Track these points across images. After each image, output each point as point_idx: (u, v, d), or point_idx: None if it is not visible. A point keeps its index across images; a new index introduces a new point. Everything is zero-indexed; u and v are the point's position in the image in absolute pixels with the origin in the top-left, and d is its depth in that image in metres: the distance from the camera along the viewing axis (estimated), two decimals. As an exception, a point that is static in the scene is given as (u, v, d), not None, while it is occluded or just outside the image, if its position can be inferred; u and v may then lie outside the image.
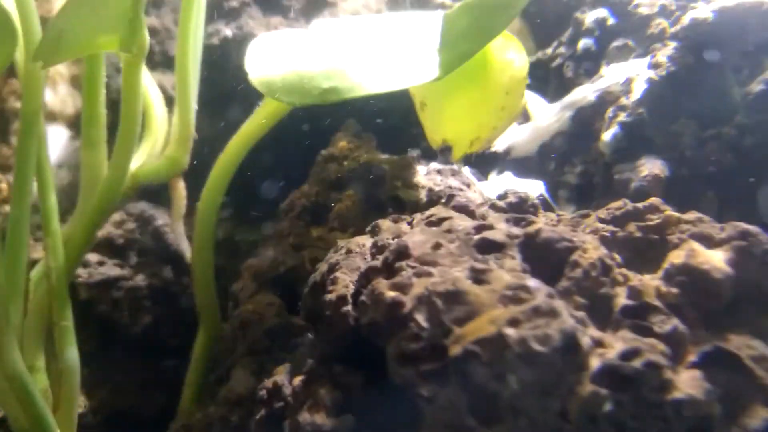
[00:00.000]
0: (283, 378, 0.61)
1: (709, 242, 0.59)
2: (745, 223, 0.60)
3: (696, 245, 0.58)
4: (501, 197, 0.84)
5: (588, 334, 0.51)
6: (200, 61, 1.06)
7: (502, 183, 1.12)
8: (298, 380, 0.59)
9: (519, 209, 0.84)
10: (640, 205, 0.66)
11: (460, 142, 0.96)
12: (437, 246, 0.58)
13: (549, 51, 1.21)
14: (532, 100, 1.17)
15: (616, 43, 1.09)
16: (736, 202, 0.97)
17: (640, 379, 0.48)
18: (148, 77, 1.06)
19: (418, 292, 0.52)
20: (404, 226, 0.65)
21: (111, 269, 1.18)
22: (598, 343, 0.51)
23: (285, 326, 0.85)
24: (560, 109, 1.12)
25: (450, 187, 1.02)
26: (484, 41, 0.77)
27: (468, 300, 0.51)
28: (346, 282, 0.59)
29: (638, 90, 1.02)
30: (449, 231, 0.60)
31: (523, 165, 1.17)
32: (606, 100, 1.06)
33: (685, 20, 1.01)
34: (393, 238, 0.62)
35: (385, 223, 0.70)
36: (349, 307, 0.57)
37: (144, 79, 1.06)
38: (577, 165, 1.09)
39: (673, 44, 1.02)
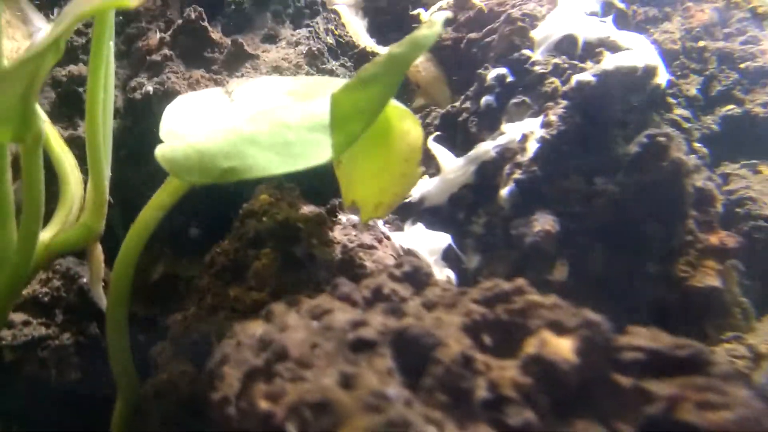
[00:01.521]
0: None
1: (561, 330, 0.62)
2: (591, 312, 0.64)
3: (547, 334, 0.61)
4: (398, 266, 0.86)
5: (441, 439, 0.53)
6: (111, 123, 1.05)
7: (414, 235, 1.15)
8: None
9: (414, 278, 0.87)
10: (507, 287, 0.69)
11: (365, 206, 0.98)
12: (314, 346, 0.60)
13: (457, 104, 1.24)
14: (441, 153, 1.20)
15: (514, 101, 1.13)
16: (622, 255, 1.02)
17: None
18: (60, 144, 1.05)
19: (290, 401, 0.54)
20: (291, 318, 0.67)
21: (37, 329, 1.16)
22: (453, 448, 0.53)
23: (198, 396, 0.85)
24: (465, 162, 1.15)
25: (361, 245, 1.04)
26: (370, 121, 0.79)
27: (335, 409, 0.53)
28: (231, 380, 0.61)
29: (532, 148, 1.05)
30: (328, 328, 0.62)
31: (435, 214, 1.20)
32: (505, 156, 1.09)
33: (572, 82, 1.05)
34: (279, 331, 0.64)
35: (278, 308, 0.71)
36: (232, 410, 0.59)
37: (56, 148, 1.05)
38: (482, 216, 1.12)
39: (563, 103, 1.06)
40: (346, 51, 1.49)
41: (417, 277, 0.84)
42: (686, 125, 1.11)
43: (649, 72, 1.01)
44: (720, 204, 1.03)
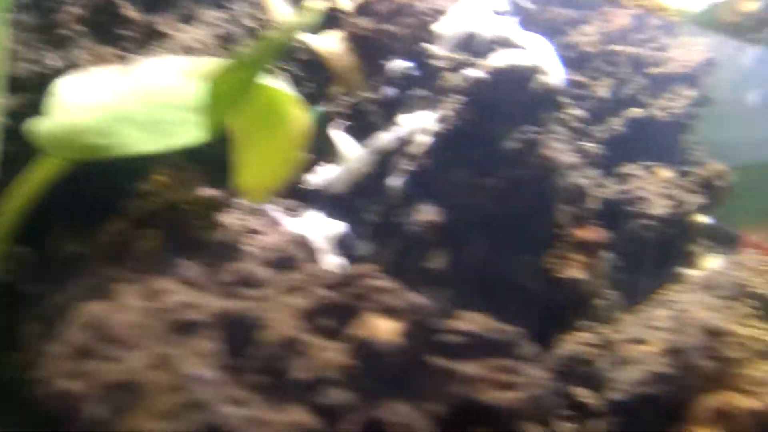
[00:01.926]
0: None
1: (390, 313, 0.64)
2: (419, 297, 0.65)
3: (374, 318, 0.63)
4: (268, 251, 0.87)
5: (249, 416, 0.54)
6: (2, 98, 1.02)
7: (311, 222, 1.15)
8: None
9: (281, 264, 0.88)
10: (354, 272, 0.70)
11: (250, 190, 0.99)
12: (141, 327, 0.60)
13: (364, 93, 1.25)
14: (345, 142, 1.20)
15: (414, 93, 1.14)
16: (500, 246, 1.05)
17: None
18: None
19: (99, 381, 0.55)
20: (129, 298, 0.67)
21: None
22: (258, 422, 0.55)
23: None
24: (367, 152, 1.16)
25: (247, 230, 1.04)
26: (238, 101, 0.79)
27: (137, 390, 0.53)
28: (55, 358, 0.61)
29: (425, 141, 1.07)
30: (160, 309, 0.62)
31: (337, 202, 1.21)
32: (401, 147, 1.11)
33: (466, 78, 1.06)
34: (114, 312, 0.64)
35: (121, 288, 0.71)
36: (48, 387, 0.59)
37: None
38: (377, 205, 1.14)
39: (458, 98, 1.08)
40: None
41: (283, 263, 0.85)
42: (575, 124, 1.14)
43: (538, 72, 1.03)
44: (592, 200, 1.06)
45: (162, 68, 1.09)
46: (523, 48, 1.12)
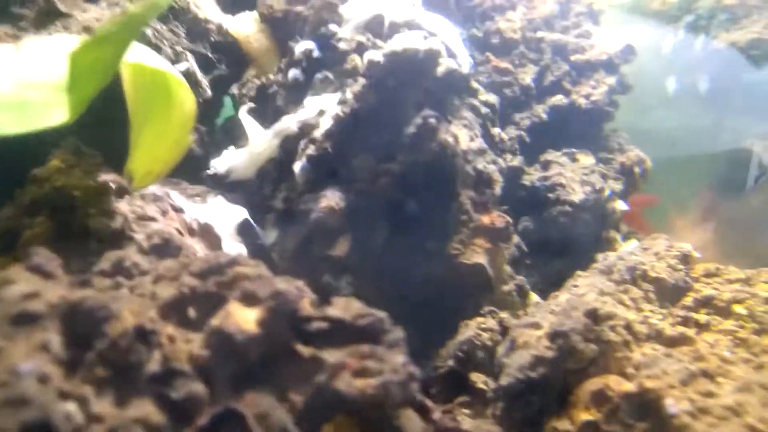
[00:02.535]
0: None
1: (251, 301, 0.62)
2: (281, 282, 0.63)
3: (234, 306, 0.61)
4: (148, 238, 0.84)
5: (87, 412, 0.51)
6: None
7: (212, 208, 1.12)
8: None
9: (162, 251, 0.84)
10: (224, 259, 0.67)
11: (137, 174, 0.94)
12: (-26, 319, 0.56)
13: (271, 76, 1.21)
14: (250, 126, 1.17)
15: (319, 76, 1.11)
16: (403, 231, 1.04)
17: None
18: None
19: None
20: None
21: None
22: (96, 420, 0.52)
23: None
24: (271, 136, 1.13)
25: (141, 217, 1.00)
26: (103, 80, 0.75)
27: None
28: None
29: (326, 124, 1.05)
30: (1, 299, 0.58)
31: (243, 188, 1.17)
32: (304, 131, 1.08)
33: (365, 61, 1.04)
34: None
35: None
36: None
37: None
38: (282, 191, 1.11)
39: (361, 81, 1.06)
40: (178, 15, 1.42)
41: (165, 250, 0.81)
42: (484, 110, 1.14)
43: (437, 56, 1.02)
44: (498, 186, 1.06)
45: (48, 48, 1.03)
46: (427, 32, 1.10)
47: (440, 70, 1.05)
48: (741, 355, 0.80)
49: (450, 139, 0.97)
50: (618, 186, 1.48)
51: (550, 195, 1.42)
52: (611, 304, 0.83)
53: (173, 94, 0.93)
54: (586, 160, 1.51)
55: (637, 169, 1.51)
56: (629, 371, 0.76)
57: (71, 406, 0.52)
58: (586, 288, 0.91)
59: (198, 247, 1.04)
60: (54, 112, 0.77)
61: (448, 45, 1.10)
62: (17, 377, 0.50)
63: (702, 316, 0.90)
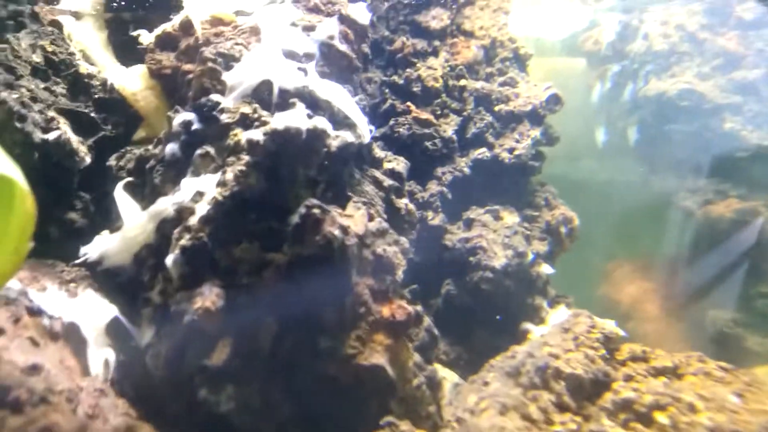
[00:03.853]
0: None
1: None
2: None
3: None
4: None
5: None
6: None
7: (82, 303, 0.99)
8: None
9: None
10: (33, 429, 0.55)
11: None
12: None
13: (150, 148, 1.09)
14: (125, 205, 1.05)
15: (199, 151, 1.00)
16: (293, 329, 0.93)
17: None
18: None
19: None
20: None
21: None
22: None
23: None
24: (147, 219, 1.01)
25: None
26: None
27: None
28: None
29: (202, 210, 0.93)
30: None
31: (118, 275, 1.05)
32: (181, 216, 0.97)
33: (244, 140, 0.94)
34: None
35: None
36: None
37: None
38: (159, 283, 0.99)
39: (244, 160, 0.95)
40: (58, 71, 1.28)
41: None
42: (388, 183, 1.05)
43: (319, 133, 0.92)
44: (401, 270, 0.97)
45: None
46: (322, 100, 1.01)
47: (334, 144, 0.96)
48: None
49: (336, 232, 0.87)
50: (543, 247, 1.41)
51: (471, 259, 1.34)
52: (512, 427, 0.74)
53: (15, 200, 0.80)
54: (510, 218, 1.44)
55: (563, 229, 1.45)
56: None
57: None
58: (488, 400, 0.82)
59: (58, 357, 0.91)
60: None
61: (346, 114, 1.01)
62: None
63: (618, 429, 0.82)
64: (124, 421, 0.72)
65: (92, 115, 1.27)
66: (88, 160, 1.19)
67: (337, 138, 0.97)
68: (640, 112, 1.72)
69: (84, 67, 1.30)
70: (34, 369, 0.84)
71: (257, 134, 0.91)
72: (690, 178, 1.60)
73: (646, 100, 1.80)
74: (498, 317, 1.33)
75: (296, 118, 0.91)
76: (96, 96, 1.29)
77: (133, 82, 1.29)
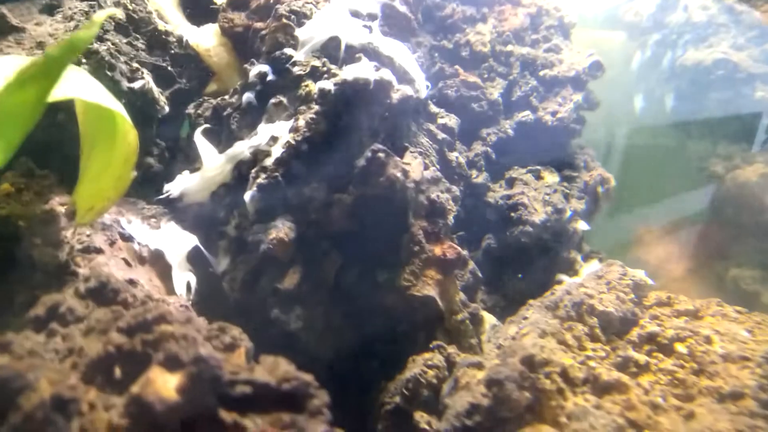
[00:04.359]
0: None
1: (174, 365, 0.61)
2: (204, 347, 0.62)
3: (156, 372, 0.60)
4: (86, 280, 0.82)
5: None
6: None
7: (164, 235, 1.10)
8: None
9: (99, 295, 0.83)
10: (151, 315, 0.66)
11: (80, 209, 0.93)
12: None
13: (227, 98, 1.19)
14: (204, 148, 1.15)
15: (273, 101, 1.09)
16: (355, 262, 1.03)
17: None
18: None
19: None
20: None
21: None
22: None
23: None
24: (224, 161, 1.11)
25: (86, 249, 0.98)
26: (28, 124, 0.73)
27: None
28: None
29: (276, 152, 1.03)
30: None
31: (197, 211, 1.16)
32: (257, 158, 1.07)
33: (316, 89, 1.02)
34: None
35: None
36: None
37: None
38: (235, 218, 1.09)
39: (314, 109, 1.04)
40: (138, 27, 1.38)
41: (102, 294, 0.80)
42: (441, 136, 1.13)
43: (385, 85, 1.00)
44: (451, 215, 1.05)
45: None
46: (384, 56, 1.09)
47: (395, 97, 1.04)
48: (673, 401, 0.81)
49: (399, 174, 0.96)
50: (580, 206, 1.48)
51: (513, 214, 1.42)
52: (550, 348, 0.83)
53: (117, 130, 0.91)
54: (551, 178, 1.51)
55: (600, 189, 1.51)
56: (562, 420, 0.76)
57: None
58: (529, 327, 0.91)
59: (145, 279, 1.03)
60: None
61: (405, 70, 1.09)
62: None
63: (642, 356, 0.91)
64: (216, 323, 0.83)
65: (169, 68, 1.37)
66: (167, 109, 1.30)
67: (398, 91, 1.05)
68: (678, 80, 1.75)
69: (161, 25, 1.40)
70: (132, 282, 0.96)
71: (328, 84, 1.00)
72: (722, 144, 1.64)
73: (684, 68, 1.82)
74: (535, 268, 1.41)
75: (365, 70, 0.99)
76: (172, 51, 1.39)
77: (206, 40, 1.39)
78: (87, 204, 0.92)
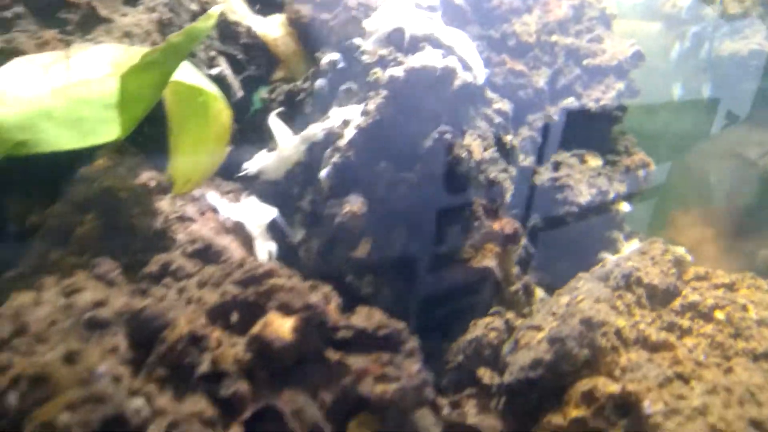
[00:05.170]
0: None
1: (287, 311, 0.70)
2: (312, 294, 0.71)
3: (273, 316, 0.69)
4: (192, 242, 0.92)
5: (152, 407, 0.60)
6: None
7: (245, 207, 1.20)
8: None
9: (204, 255, 0.93)
10: (261, 270, 0.75)
11: (177, 180, 1.02)
12: (53, 322, 0.65)
13: (299, 83, 1.27)
14: (280, 130, 1.24)
15: (344, 87, 1.17)
16: (419, 235, 1.11)
17: (173, 445, 0.58)
18: None
19: (14, 373, 0.59)
20: (48, 293, 0.71)
21: None
22: (160, 413, 0.61)
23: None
24: (299, 141, 1.20)
25: (181, 217, 1.08)
26: (151, 103, 0.82)
27: (51, 382, 0.58)
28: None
29: (349, 134, 1.11)
30: (71, 306, 0.66)
31: (272, 188, 1.25)
32: (329, 139, 1.15)
33: (386, 75, 1.10)
34: (33, 305, 0.68)
35: (48, 281, 0.75)
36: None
37: None
38: (309, 194, 1.18)
39: (382, 94, 1.12)
40: (212, 19, 1.47)
41: (207, 255, 0.90)
42: (497, 120, 1.19)
43: (452, 72, 1.07)
44: (509, 194, 1.12)
45: (96, 58, 1.10)
46: (445, 46, 1.16)
47: (456, 83, 1.11)
48: (714, 360, 0.88)
49: (464, 154, 1.03)
50: (622, 188, 1.53)
51: (559, 196, 1.48)
52: (605, 311, 0.90)
53: (210, 108, 1.00)
54: (594, 161, 1.56)
55: (641, 173, 1.56)
56: (616, 374, 0.83)
57: (140, 402, 0.61)
58: (584, 294, 0.98)
59: (232, 246, 1.12)
60: (106, 128, 0.84)
61: (465, 58, 1.16)
62: (95, 377, 0.59)
63: (686, 321, 0.97)
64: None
65: (239, 57, 1.46)
66: (240, 93, 1.39)
67: (460, 77, 1.12)
68: (714, 69, 1.79)
69: (233, 16, 1.49)
70: (223, 248, 1.05)
71: (398, 71, 1.07)
72: (756, 131, 1.67)
73: (720, 59, 1.85)
74: (579, 247, 1.47)
75: (433, 58, 1.07)
76: (242, 41, 1.48)
77: (274, 30, 1.47)
78: (184, 177, 1.02)
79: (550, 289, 1.40)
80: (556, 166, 1.58)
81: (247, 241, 1.18)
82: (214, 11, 0.79)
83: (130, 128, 0.82)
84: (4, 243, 1.21)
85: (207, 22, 0.79)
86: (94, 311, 0.66)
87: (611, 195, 1.48)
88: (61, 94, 0.90)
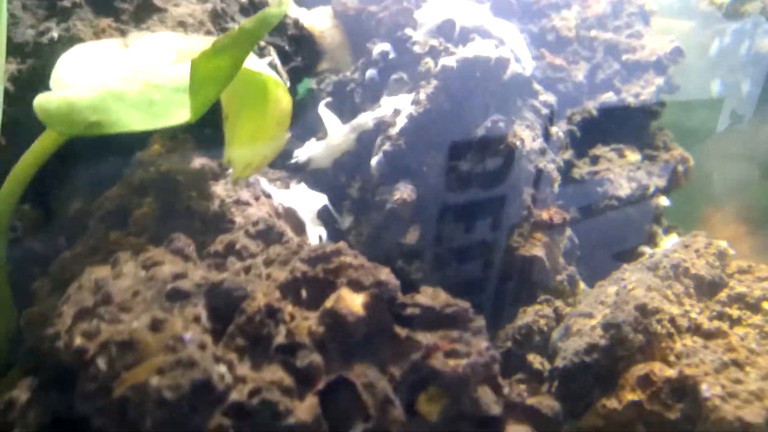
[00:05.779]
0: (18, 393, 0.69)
1: (358, 287, 0.71)
2: (381, 272, 0.72)
3: (344, 291, 0.70)
4: (254, 224, 0.94)
5: (233, 374, 0.62)
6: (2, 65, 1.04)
7: (296, 194, 1.21)
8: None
9: (266, 236, 0.94)
10: (329, 249, 0.77)
11: (237, 165, 1.04)
12: (136, 293, 0.67)
13: (348, 74, 1.29)
14: (329, 119, 1.25)
15: (394, 76, 1.19)
16: (468, 223, 1.12)
17: (257, 412, 0.60)
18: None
19: (102, 339, 0.61)
20: (127, 266, 0.73)
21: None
22: (241, 380, 0.62)
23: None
24: (349, 130, 1.21)
25: (237, 201, 1.10)
26: (221, 87, 0.84)
27: (139, 348, 0.60)
28: (65, 317, 0.67)
29: (400, 123, 1.12)
30: (152, 278, 0.68)
31: (320, 176, 1.27)
32: (380, 128, 1.16)
33: (438, 66, 1.11)
34: (113, 278, 0.71)
35: (123, 257, 0.78)
36: (60, 343, 0.65)
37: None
38: (357, 181, 1.20)
39: (433, 83, 1.13)
40: (259, 10, 1.49)
41: (269, 236, 0.91)
42: (544, 111, 1.20)
43: (503, 62, 1.08)
44: (556, 184, 1.13)
45: (156, 46, 1.12)
46: (495, 38, 1.16)
47: (508, 74, 1.12)
48: (765, 348, 0.88)
49: (517, 142, 1.04)
50: (661, 182, 1.53)
51: (599, 189, 1.48)
52: (658, 299, 0.90)
53: (270, 94, 1.01)
54: (633, 156, 1.56)
55: (680, 167, 1.55)
56: (671, 359, 0.84)
57: (223, 369, 0.62)
58: (635, 283, 0.98)
59: (287, 230, 1.14)
60: (177, 111, 0.86)
61: (514, 49, 1.16)
62: (183, 344, 0.61)
63: (734, 311, 0.97)
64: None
65: (286, 48, 1.48)
66: (288, 83, 1.41)
67: (510, 69, 1.13)
68: (753, 67, 1.77)
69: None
70: (284, 230, 1.07)
71: (451, 61, 1.08)
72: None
73: (759, 56, 1.84)
74: (618, 240, 1.47)
75: (486, 48, 1.07)
76: (288, 33, 1.50)
77: (320, 22, 1.48)
78: (244, 161, 1.03)
79: (588, 282, 1.40)
80: (595, 160, 1.57)
81: (299, 226, 1.19)
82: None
83: (200, 112, 0.84)
84: (50, 229, 1.24)
85: (280, 8, 0.80)
86: (176, 282, 0.68)
87: (651, 189, 1.48)
88: (130, 79, 0.92)
